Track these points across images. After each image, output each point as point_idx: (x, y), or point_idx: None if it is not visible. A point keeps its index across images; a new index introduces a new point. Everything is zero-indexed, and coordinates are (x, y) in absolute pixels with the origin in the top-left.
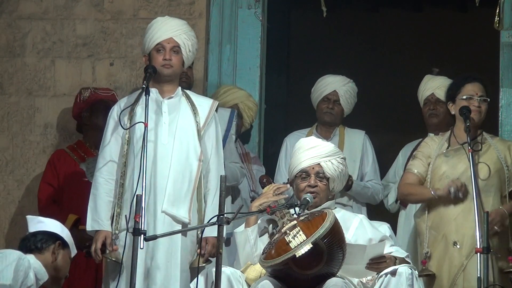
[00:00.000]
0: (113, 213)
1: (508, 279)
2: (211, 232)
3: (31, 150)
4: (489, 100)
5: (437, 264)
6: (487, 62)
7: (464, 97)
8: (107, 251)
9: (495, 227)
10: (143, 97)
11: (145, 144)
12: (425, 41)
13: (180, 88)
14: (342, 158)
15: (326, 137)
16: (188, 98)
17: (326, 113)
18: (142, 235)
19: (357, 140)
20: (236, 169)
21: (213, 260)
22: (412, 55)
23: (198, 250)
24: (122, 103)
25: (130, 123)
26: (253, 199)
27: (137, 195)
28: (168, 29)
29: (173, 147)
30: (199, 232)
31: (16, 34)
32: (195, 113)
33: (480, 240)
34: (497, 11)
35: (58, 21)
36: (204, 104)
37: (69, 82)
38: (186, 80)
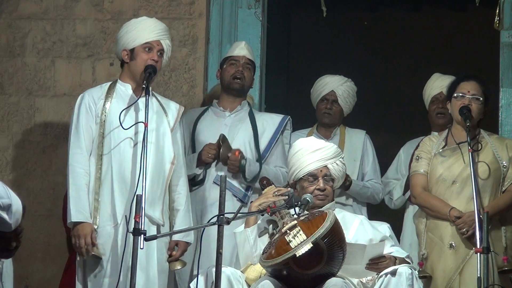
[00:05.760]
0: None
1: (508, 279)
2: (182, 236)
3: (31, 150)
4: (481, 99)
5: (433, 266)
6: (487, 62)
7: (455, 95)
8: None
9: (464, 229)
10: (115, 91)
11: (145, 144)
12: (424, 41)
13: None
14: (342, 157)
15: (327, 136)
16: (157, 99)
17: (324, 114)
18: (142, 235)
19: (358, 139)
20: (279, 172)
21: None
22: (412, 55)
23: (169, 252)
24: (93, 92)
25: (103, 116)
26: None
27: (137, 195)
28: (158, 31)
29: (151, 147)
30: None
31: (16, 34)
32: (166, 115)
33: (480, 240)
34: (497, 11)
35: (58, 21)
36: (172, 107)
37: (69, 82)
38: (241, 81)
